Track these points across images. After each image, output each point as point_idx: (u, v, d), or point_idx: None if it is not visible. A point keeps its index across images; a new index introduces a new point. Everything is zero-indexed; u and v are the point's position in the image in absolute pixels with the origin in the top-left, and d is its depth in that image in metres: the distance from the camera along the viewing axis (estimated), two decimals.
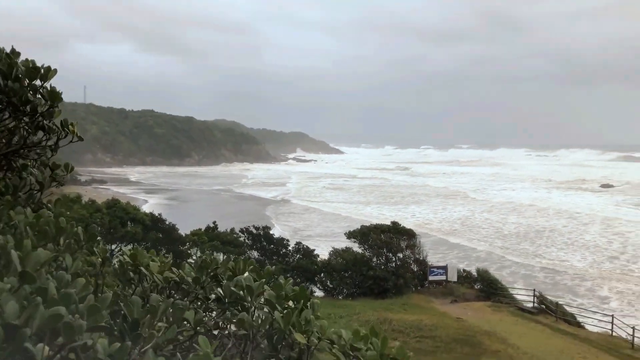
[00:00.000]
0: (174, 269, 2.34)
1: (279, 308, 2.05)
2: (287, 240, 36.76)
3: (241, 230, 35.87)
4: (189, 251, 31.65)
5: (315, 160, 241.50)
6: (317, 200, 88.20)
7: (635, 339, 26.21)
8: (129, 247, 29.38)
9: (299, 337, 1.93)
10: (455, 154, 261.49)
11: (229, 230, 35.59)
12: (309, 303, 2.15)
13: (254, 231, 35.91)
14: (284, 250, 35.71)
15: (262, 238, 35.75)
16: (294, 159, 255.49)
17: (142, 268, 2.30)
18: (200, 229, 34.69)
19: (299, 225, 64.63)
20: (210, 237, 33.57)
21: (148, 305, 1.80)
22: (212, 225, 35.24)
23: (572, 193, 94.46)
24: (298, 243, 36.46)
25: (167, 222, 33.91)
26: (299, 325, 1.96)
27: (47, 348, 1.23)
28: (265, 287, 2.23)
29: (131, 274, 2.32)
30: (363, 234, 35.74)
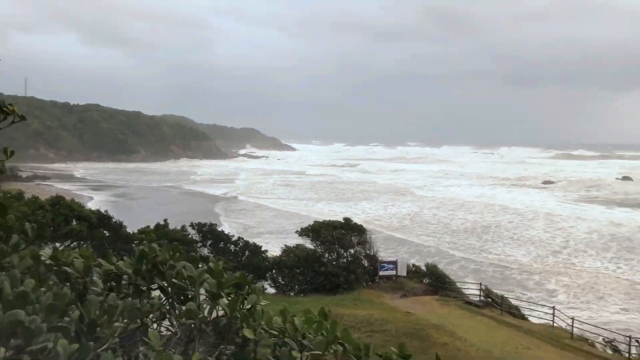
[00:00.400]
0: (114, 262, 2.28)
1: (223, 295, 2.03)
2: (240, 238, 36.51)
3: (192, 225, 35.37)
4: (136, 249, 30.90)
5: (267, 157, 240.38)
6: (268, 197, 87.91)
7: (575, 329, 27.39)
8: (74, 245, 28.43)
9: (248, 333, 1.92)
10: (403, 151, 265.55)
11: (178, 227, 35.01)
12: (252, 289, 2.16)
13: (205, 228, 35.50)
14: (234, 248, 35.45)
15: (211, 235, 35.37)
16: (245, 155, 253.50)
17: (66, 268, 2.21)
18: (148, 227, 33.97)
19: (250, 222, 64.23)
20: (159, 234, 32.91)
21: (106, 305, 1.76)
22: (162, 223, 34.57)
23: (515, 190, 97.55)
24: (247, 241, 36.28)
25: (114, 220, 33.02)
26: (245, 318, 1.95)
27: (2, 349, 1.18)
28: (206, 275, 2.20)
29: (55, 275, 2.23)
30: (315, 231, 35.89)
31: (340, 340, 2.01)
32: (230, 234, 38.16)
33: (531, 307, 32.02)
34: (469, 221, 63.42)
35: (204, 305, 2.07)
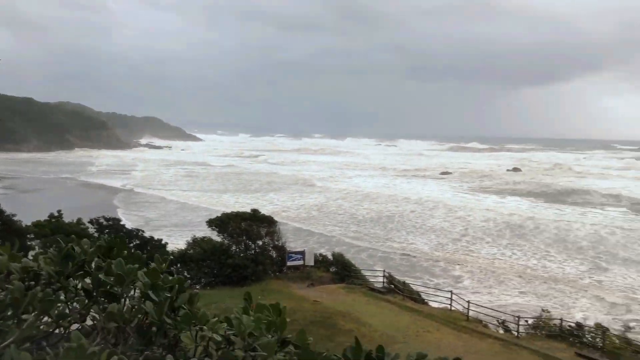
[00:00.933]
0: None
1: (154, 297, 1.94)
2: (142, 231, 35.20)
3: (90, 222, 33.63)
4: (32, 243, 28.98)
5: (170, 147, 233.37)
6: (171, 189, 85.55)
7: (471, 312, 29.09)
8: None
9: (186, 339, 1.84)
10: (308, 143, 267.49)
11: (75, 220, 33.17)
12: (186, 293, 2.06)
13: (104, 222, 33.88)
14: (136, 242, 34.15)
15: (110, 229, 33.83)
16: (146, 145, 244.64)
17: None
18: (42, 220, 31.91)
19: (152, 215, 62.21)
20: (53, 228, 31.01)
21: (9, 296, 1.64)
22: (55, 214, 32.58)
23: (415, 180, 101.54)
24: (145, 237, 35.04)
25: (4, 213, 30.70)
26: (180, 321, 1.88)
27: None
28: (140, 273, 2.09)
29: None
30: (222, 223, 35.39)
31: (293, 342, 1.96)
32: (130, 227, 36.74)
33: (431, 292, 33.61)
34: (373, 211, 65.24)
35: (130, 306, 1.96)
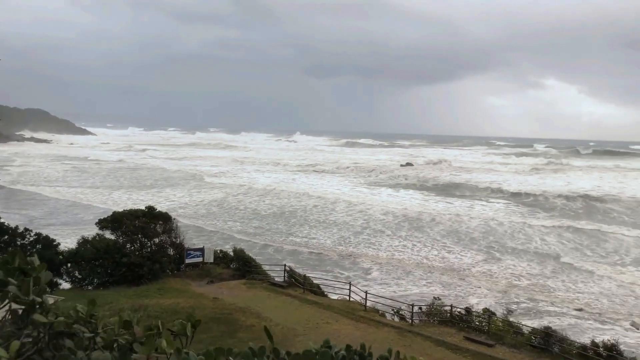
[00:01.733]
0: None
1: (13, 281, 1.87)
2: (29, 230, 32.82)
3: None
4: None
5: (58, 141, 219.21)
6: (59, 185, 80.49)
7: (368, 302, 30.06)
8: None
9: (39, 318, 1.84)
10: (203, 138, 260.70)
11: None
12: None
13: None
14: (21, 242, 31.82)
15: None
16: (31, 138, 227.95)
17: None
18: None
19: (36, 213, 58.22)
20: None
21: None
22: None
23: (315, 175, 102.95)
24: (38, 233, 32.88)
25: None
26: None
27: None
28: None
29: None
30: (116, 220, 33.85)
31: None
32: (17, 226, 34.10)
33: (331, 285, 34.30)
34: (275, 206, 65.31)
35: None
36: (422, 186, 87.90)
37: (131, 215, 34.74)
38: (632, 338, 29.12)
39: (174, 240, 35.78)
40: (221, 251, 37.82)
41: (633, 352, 25.00)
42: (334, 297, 32.87)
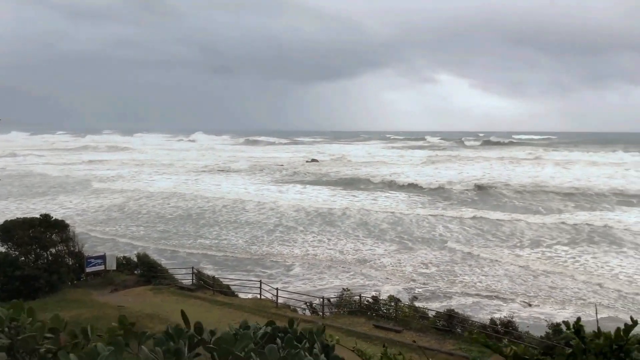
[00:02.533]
0: None
1: None
2: None
3: None
4: None
5: None
6: None
7: (280, 299, 30.22)
8: None
9: None
10: (96, 140, 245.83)
11: None
12: None
13: None
14: None
15: None
16: None
17: None
18: None
19: None
20: None
21: None
22: None
23: (220, 175, 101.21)
24: None
25: None
26: None
27: None
28: None
29: None
30: (6, 231, 31.53)
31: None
32: None
33: (241, 285, 34.10)
34: (181, 208, 63.62)
35: None
36: (329, 181, 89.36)
37: (24, 224, 32.52)
38: (525, 312, 31.42)
39: (72, 249, 33.94)
40: (124, 257, 36.38)
41: (527, 325, 26.99)
42: (247, 296, 32.72)
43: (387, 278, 38.03)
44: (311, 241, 48.21)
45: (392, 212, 60.29)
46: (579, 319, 2.13)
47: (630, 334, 2.00)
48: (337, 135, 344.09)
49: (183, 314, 1.98)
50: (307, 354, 1.98)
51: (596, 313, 24.21)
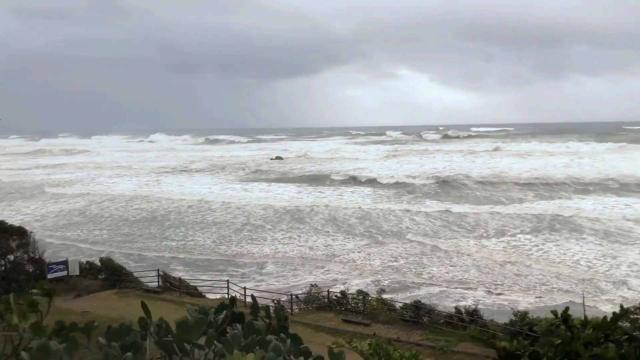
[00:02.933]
0: None
1: None
2: None
3: None
4: None
5: None
6: None
7: (247, 298, 30.04)
8: None
9: None
10: (52, 144, 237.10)
11: None
12: None
13: None
14: None
15: None
16: None
17: None
18: None
19: None
20: None
21: None
22: None
23: (183, 175, 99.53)
24: None
25: None
26: None
27: None
28: None
29: None
30: None
31: None
32: None
33: (210, 285, 33.81)
34: (146, 211, 62.58)
35: None
36: (294, 178, 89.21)
37: None
38: (489, 299, 32.12)
39: (32, 255, 33.02)
40: (87, 262, 35.60)
41: (491, 312, 27.62)
42: (216, 296, 32.43)
43: (357, 272, 38.27)
44: (281, 239, 48.12)
45: (359, 207, 60.65)
46: (567, 308, 2.15)
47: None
48: (300, 132, 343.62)
49: (143, 305, 1.95)
50: (274, 338, 1.98)
51: (583, 301, 24.92)
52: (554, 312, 2.14)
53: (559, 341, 2.06)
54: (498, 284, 34.72)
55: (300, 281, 36.35)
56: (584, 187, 70.33)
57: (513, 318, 24.74)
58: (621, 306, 2.21)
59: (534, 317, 23.26)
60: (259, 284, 35.53)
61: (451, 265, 38.76)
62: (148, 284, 33.98)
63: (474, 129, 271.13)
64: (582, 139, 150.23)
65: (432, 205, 59.73)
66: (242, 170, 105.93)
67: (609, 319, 2.03)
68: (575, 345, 2.00)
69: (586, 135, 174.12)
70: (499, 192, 68.81)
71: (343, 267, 39.50)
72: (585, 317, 2.07)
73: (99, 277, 34.14)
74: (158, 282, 33.49)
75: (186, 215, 59.67)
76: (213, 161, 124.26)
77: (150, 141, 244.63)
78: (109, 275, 33.72)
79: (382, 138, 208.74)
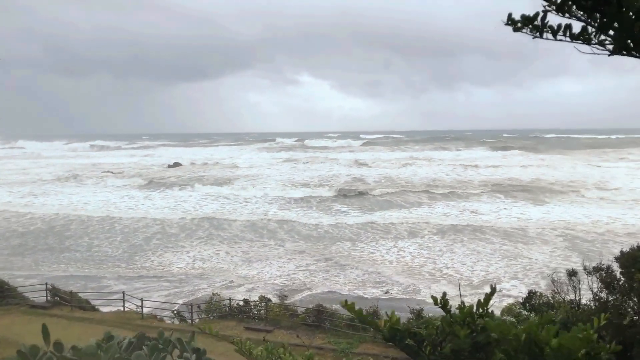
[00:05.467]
0: None
1: None
2: None
3: None
4: None
5: None
6: None
7: (145, 309, 28.97)
8: None
9: None
10: None
11: None
12: None
13: None
14: None
15: None
16: None
17: None
18: None
19: None
20: None
21: None
22: None
23: (71, 185, 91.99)
24: None
25: None
26: None
27: None
28: None
29: None
30: None
31: None
32: None
33: (105, 297, 32.18)
34: (41, 220, 58.82)
35: None
36: (199, 183, 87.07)
37: None
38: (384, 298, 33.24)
39: None
40: None
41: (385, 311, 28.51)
42: (110, 309, 30.92)
43: (261, 279, 38.09)
44: (203, 245, 47.23)
45: (274, 214, 60.49)
46: (444, 293, 2.32)
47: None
48: (187, 138, 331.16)
49: (44, 328, 1.85)
50: (175, 358, 1.97)
51: (459, 288, 26.27)
52: (434, 298, 2.32)
53: (438, 323, 2.23)
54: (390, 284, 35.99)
55: (228, 288, 35.61)
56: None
57: (409, 316, 25.71)
58: (491, 286, 2.43)
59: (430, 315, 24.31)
60: (160, 295, 34.25)
61: (377, 272, 39.62)
62: (34, 299, 31.67)
63: (364, 135, 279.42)
64: (470, 147, 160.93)
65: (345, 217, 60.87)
66: (138, 177, 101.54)
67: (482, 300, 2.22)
68: (454, 325, 2.17)
69: (475, 142, 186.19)
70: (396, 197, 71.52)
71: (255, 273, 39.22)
72: (462, 302, 2.25)
73: None
74: (46, 296, 31.35)
75: (90, 224, 56.71)
76: (105, 168, 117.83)
77: (17, 147, 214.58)
78: None
79: (267, 145, 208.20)
